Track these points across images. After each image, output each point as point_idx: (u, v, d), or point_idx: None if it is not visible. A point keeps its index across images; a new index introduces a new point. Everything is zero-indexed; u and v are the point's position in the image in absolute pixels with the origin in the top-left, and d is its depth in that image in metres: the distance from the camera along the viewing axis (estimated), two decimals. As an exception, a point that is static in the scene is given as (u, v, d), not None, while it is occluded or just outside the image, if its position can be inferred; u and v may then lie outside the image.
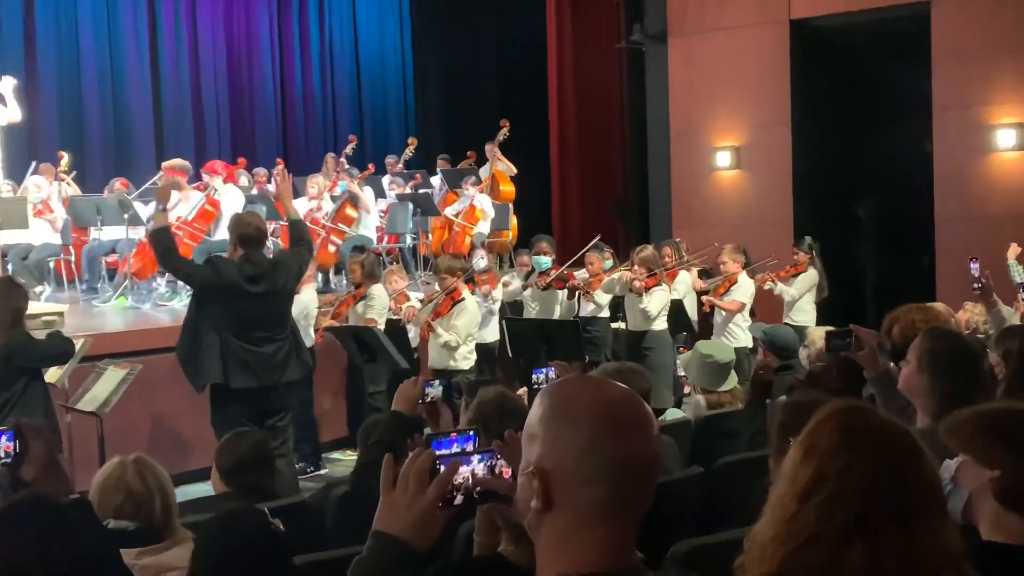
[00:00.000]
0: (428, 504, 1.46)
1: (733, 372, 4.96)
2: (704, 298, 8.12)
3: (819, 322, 8.27)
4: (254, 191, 11.04)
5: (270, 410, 5.56)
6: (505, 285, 8.41)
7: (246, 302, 5.40)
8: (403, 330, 7.31)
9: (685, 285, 8.57)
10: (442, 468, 1.48)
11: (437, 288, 7.54)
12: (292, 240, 5.83)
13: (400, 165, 13.01)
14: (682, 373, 6.85)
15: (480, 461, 1.51)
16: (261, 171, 11.85)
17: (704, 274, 9.15)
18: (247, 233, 5.45)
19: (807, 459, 1.54)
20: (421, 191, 11.57)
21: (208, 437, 5.29)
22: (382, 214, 11.15)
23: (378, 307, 7.34)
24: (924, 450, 1.53)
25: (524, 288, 8.24)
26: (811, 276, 8.72)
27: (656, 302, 7.61)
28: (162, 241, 5.41)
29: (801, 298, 8.68)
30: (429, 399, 3.34)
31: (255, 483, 3.59)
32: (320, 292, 8.66)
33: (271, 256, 6.08)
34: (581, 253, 8.64)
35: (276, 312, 5.58)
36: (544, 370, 4.08)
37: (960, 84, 9.56)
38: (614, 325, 8.62)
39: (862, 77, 10.41)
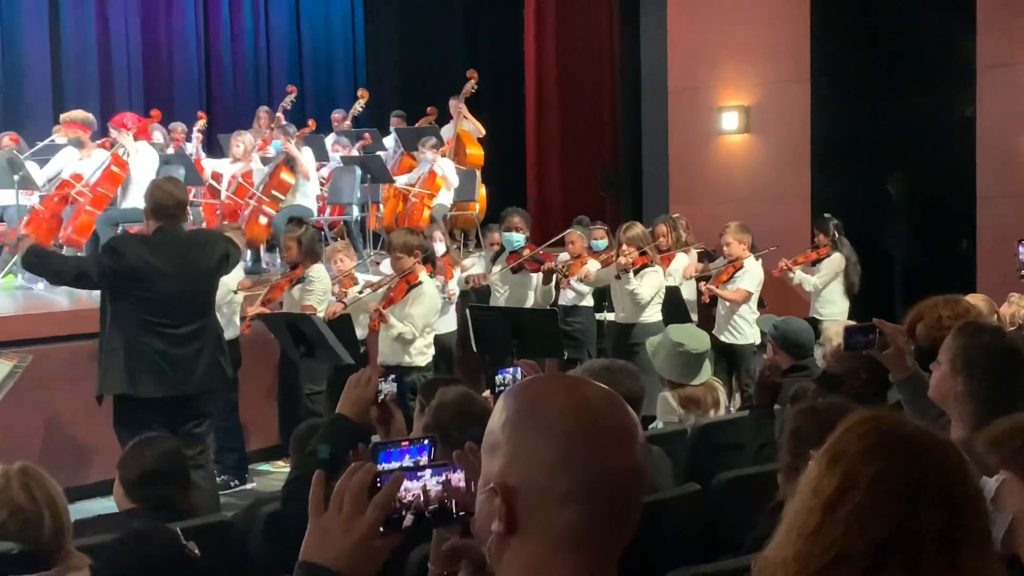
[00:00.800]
0: (367, 528, 1.42)
1: (707, 363, 5.03)
2: (704, 286, 8.15)
3: (853, 314, 8.35)
4: (170, 150, 10.95)
5: (185, 415, 5.54)
6: (462, 271, 8.42)
7: (157, 287, 5.38)
8: (348, 319, 7.29)
9: (683, 269, 8.61)
10: (386, 483, 1.46)
11: (387, 269, 7.51)
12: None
13: (347, 122, 12.94)
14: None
15: (434, 476, 1.50)
16: (179, 126, 11.75)
17: (705, 257, 9.19)
18: (164, 204, 5.42)
19: (833, 466, 1.54)
20: (371, 154, 11.52)
21: (111, 443, 5.26)
22: (324, 180, 11.10)
23: (318, 291, 7.31)
24: (969, 464, 1.54)
25: (472, 281, 8.24)
26: (836, 261, 8.79)
27: (648, 285, 7.64)
28: (40, 261, 5.38)
29: (826, 287, 8.74)
30: (383, 398, 3.31)
31: (166, 498, 3.57)
32: (248, 273, 8.60)
33: (191, 230, 6.06)
34: (561, 235, 8.66)
35: (195, 300, 5.56)
36: (511, 370, 4.09)
37: (1010, 39, 9.63)
38: (599, 316, 8.64)
39: (894, 29, 10.47)
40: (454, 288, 8.09)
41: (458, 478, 1.51)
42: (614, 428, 1.40)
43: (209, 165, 10.69)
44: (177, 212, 5.51)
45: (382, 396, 3.32)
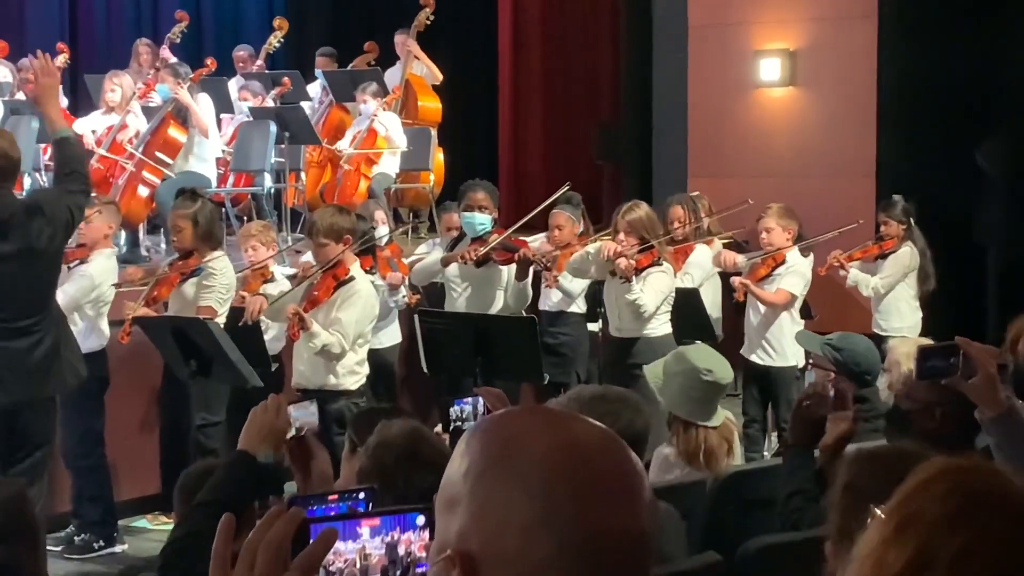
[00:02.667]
0: None
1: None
2: (737, 280, 8.15)
3: (927, 329, 8.37)
4: (20, 95, 10.89)
5: (16, 441, 5.55)
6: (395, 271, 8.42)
7: None
8: (255, 326, 7.27)
9: (702, 267, 8.61)
10: (312, 540, 1.47)
11: (310, 260, 7.48)
12: (57, 172, 5.84)
13: (259, 62, 12.92)
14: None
15: (377, 535, 1.51)
16: (30, 64, 11.67)
17: (736, 248, 9.22)
18: None
19: (903, 534, 1.54)
20: (290, 104, 11.51)
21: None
22: (227, 140, 11.07)
23: (218, 289, 7.29)
24: None
25: (445, 262, 8.21)
26: (906, 257, 8.83)
27: (653, 290, 7.63)
28: None
29: (891, 291, 8.79)
30: (298, 432, 3.32)
31: (9, 564, 3.55)
32: (123, 262, 8.56)
33: (25, 199, 6.05)
34: (540, 208, 8.65)
35: (32, 285, 5.59)
36: (470, 401, 4.10)
37: None
38: (592, 327, 8.65)
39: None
40: (403, 290, 8.08)
41: (410, 540, 1.52)
42: (610, 479, 1.41)
43: (75, 119, 10.64)
44: (8, 176, 5.57)
45: (299, 430, 3.32)
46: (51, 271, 5.76)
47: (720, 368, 4.97)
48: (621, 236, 7.65)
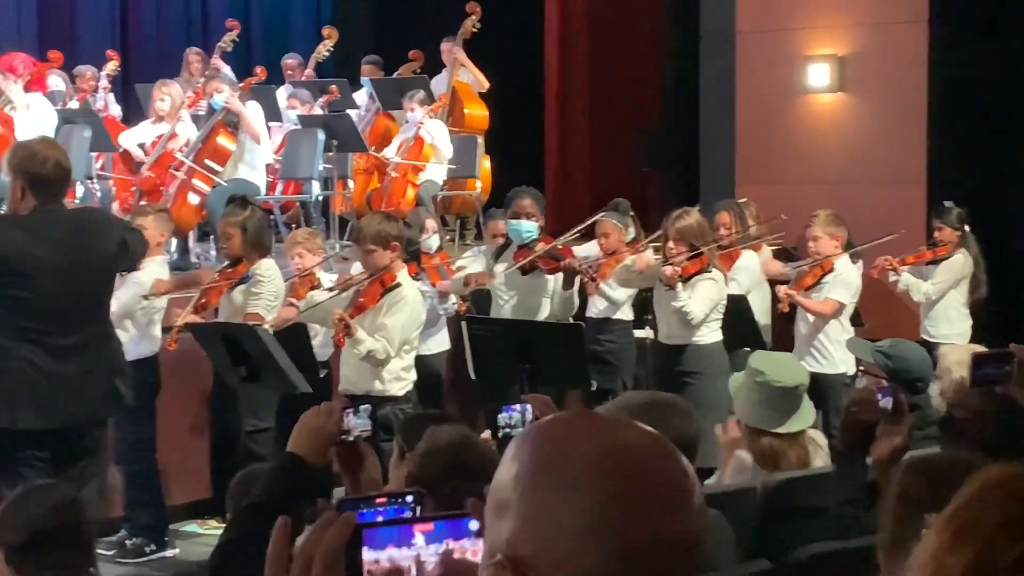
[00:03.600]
0: None
1: (807, 403, 4.98)
2: (782, 290, 8.12)
3: (975, 337, 8.30)
4: (74, 103, 10.97)
5: (70, 455, 5.56)
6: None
7: (37, 282, 5.40)
8: (303, 332, 7.29)
9: (751, 272, 8.58)
10: (367, 551, 1.46)
11: (357, 268, 7.50)
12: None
13: (307, 71, 12.97)
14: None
15: (432, 542, 1.50)
16: (88, 71, 11.79)
17: (784, 256, 9.17)
18: (40, 173, 5.43)
19: (962, 541, 1.53)
20: (338, 112, 11.55)
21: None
22: (275, 149, 11.12)
23: (267, 296, 7.33)
24: None
25: (475, 282, 8.21)
26: (959, 264, 8.77)
27: (702, 298, 7.61)
28: None
29: (943, 297, 8.73)
30: (351, 437, 3.32)
31: (63, 569, 3.57)
32: (173, 269, 8.61)
33: (75, 209, 6.08)
34: (588, 223, 8.64)
35: (87, 299, 5.58)
36: (518, 408, 4.10)
37: None
38: (639, 334, 8.63)
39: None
40: (452, 297, 8.10)
41: (464, 547, 1.50)
42: (661, 484, 1.41)
43: (127, 134, 10.70)
44: (60, 186, 5.54)
45: (350, 434, 3.32)
46: (103, 285, 5.73)
47: (778, 372, 4.89)
48: (671, 244, 7.64)
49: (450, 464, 3.30)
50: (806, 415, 4.86)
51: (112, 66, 11.87)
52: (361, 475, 3.38)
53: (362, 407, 3.40)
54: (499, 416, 4.16)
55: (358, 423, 3.33)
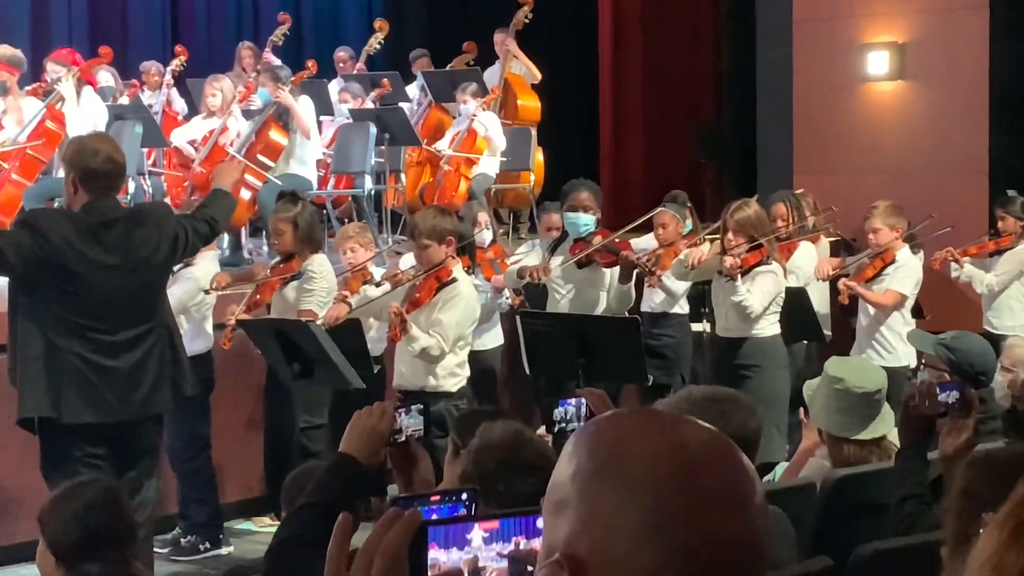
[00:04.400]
0: None
1: (886, 408, 4.92)
2: (843, 282, 8.08)
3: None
4: (125, 99, 11.05)
5: (126, 453, 5.60)
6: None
7: (88, 279, 5.43)
8: (357, 327, 7.32)
9: (810, 264, 8.54)
10: (435, 549, 1.45)
11: (410, 263, 7.51)
12: (196, 209, 5.96)
13: (359, 64, 13.00)
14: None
15: (493, 542, 1.49)
16: (151, 67, 11.89)
17: (843, 249, 9.10)
18: (91, 166, 5.46)
19: (1020, 540, 1.52)
20: (390, 106, 11.57)
21: (40, 492, 5.31)
22: (327, 142, 11.15)
23: (320, 292, 7.35)
24: None
25: (529, 275, 8.20)
26: (1022, 255, 8.70)
27: (761, 290, 7.58)
28: None
29: (1006, 289, 8.65)
30: (403, 437, 3.33)
31: (107, 563, 3.59)
32: (225, 265, 8.66)
33: (132, 207, 6.10)
34: (646, 217, 8.62)
35: (133, 296, 5.59)
36: (573, 402, 4.09)
37: None
38: (696, 327, 8.60)
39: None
40: (506, 292, 8.10)
41: (535, 547, 1.49)
42: (722, 483, 1.40)
43: (178, 131, 10.75)
44: (112, 181, 5.57)
45: (404, 434, 3.33)
46: (156, 283, 5.75)
47: (857, 377, 4.85)
48: (730, 235, 7.60)
49: (504, 461, 3.30)
50: (887, 419, 4.82)
51: (178, 62, 11.93)
52: (414, 475, 3.38)
53: (414, 406, 3.40)
54: (554, 411, 4.16)
55: (411, 422, 3.33)
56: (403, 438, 3.32)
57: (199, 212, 5.96)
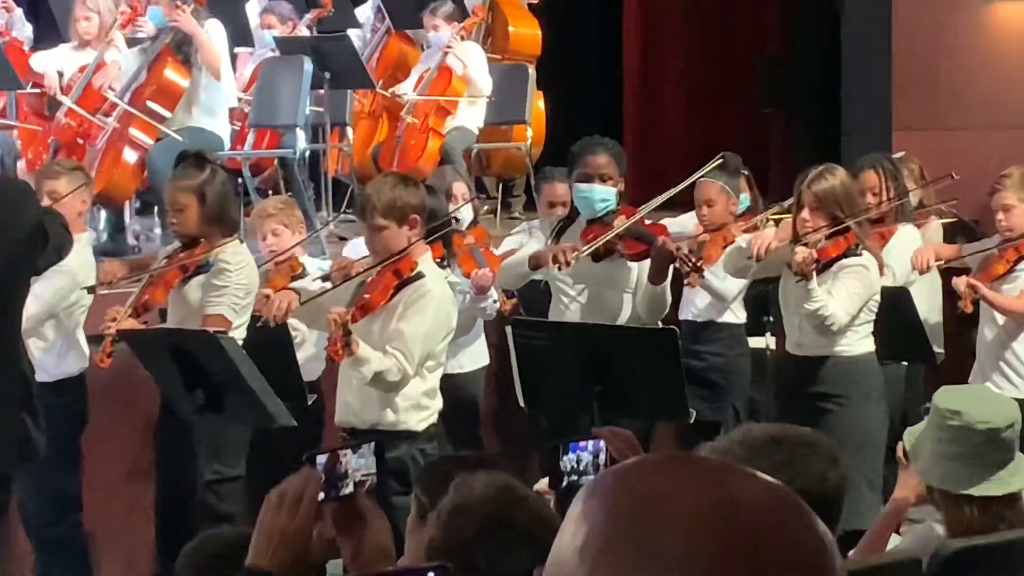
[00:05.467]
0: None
1: (1020, 456, 4.93)
2: (962, 281, 8.08)
3: None
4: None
5: None
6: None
7: None
8: (285, 341, 7.32)
9: (913, 254, 8.54)
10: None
11: (359, 252, 7.51)
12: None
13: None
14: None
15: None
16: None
17: (960, 233, 9.12)
18: None
19: None
20: (332, 34, 11.58)
21: None
22: (243, 86, 11.16)
23: (234, 289, 7.35)
24: None
25: (552, 260, 8.19)
26: None
27: (847, 292, 7.58)
28: None
29: None
30: (348, 487, 3.32)
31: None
32: (102, 254, 8.66)
33: None
34: (687, 183, 8.62)
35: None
36: (588, 446, 4.11)
37: None
38: (755, 343, 8.63)
39: None
40: (493, 292, 8.11)
41: None
42: (785, 557, 1.41)
43: (39, 56, 10.76)
44: None
45: (350, 482, 3.33)
46: (8, 278, 5.79)
47: (979, 410, 4.84)
48: (805, 214, 7.58)
49: (487, 528, 3.31)
50: (1017, 472, 4.82)
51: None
52: (364, 541, 3.39)
53: (365, 444, 3.41)
54: (561, 459, 4.17)
55: (359, 464, 3.33)
56: (348, 488, 3.32)
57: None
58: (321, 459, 3.29)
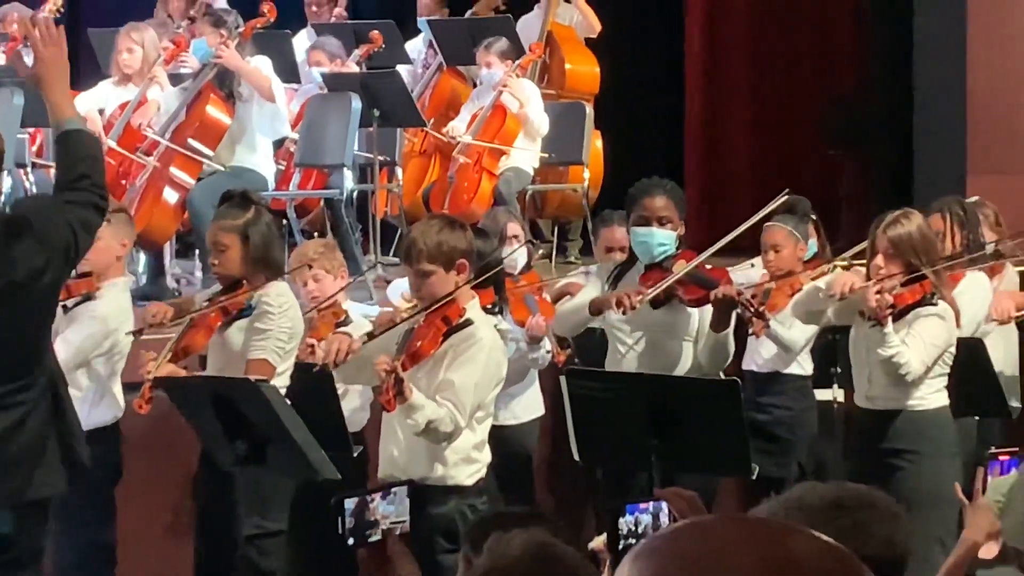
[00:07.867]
0: None
1: None
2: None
3: None
4: (-1, 60, 11.14)
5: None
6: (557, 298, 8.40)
7: None
8: (330, 391, 7.33)
9: (980, 304, 8.48)
10: None
11: (404, 297, 7.52)
12: (60, 176, 5.99)
13: (338, 9, 13.05)
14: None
15: None
16: (11, 11, 11.93)
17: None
18: None
19: None
20: (382, 70, 11.61)
21: None
22: (291, 122, 11.19)
23: (277, 335, 7.38)
24: None
25: (616, 304, 8.18)
26: None
27: (923, 342, 7.57)
28: None
29: None
30: (378, 533, 3.33)
31: None
32: (141, 298, 8.69)
33: (8, 212, 6.12)
34: (750, 223, 8.60)
35: (12, 336, 5.68)
36: (649, 506, 4.10)
37: None
38: (822, 395, 8.60)
39: None
40: (547, 341, 8.10)
41: None
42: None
43: (81, 97, 10.81)
44: None
45: (380, 528, 3.34)
46: (41, 315, 5.82)
47: None
48: (880, 260, 7.56)
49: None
50: None
51: (52, 6, 11.97)
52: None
53: (396, 488, 3.41)
54: (620, 520, 4.16)
55: (389, 511, 3.33)
56: (377, 535, 3.32)
57: (68, 187, 5.89)
58: (350, 504, 3.30)
